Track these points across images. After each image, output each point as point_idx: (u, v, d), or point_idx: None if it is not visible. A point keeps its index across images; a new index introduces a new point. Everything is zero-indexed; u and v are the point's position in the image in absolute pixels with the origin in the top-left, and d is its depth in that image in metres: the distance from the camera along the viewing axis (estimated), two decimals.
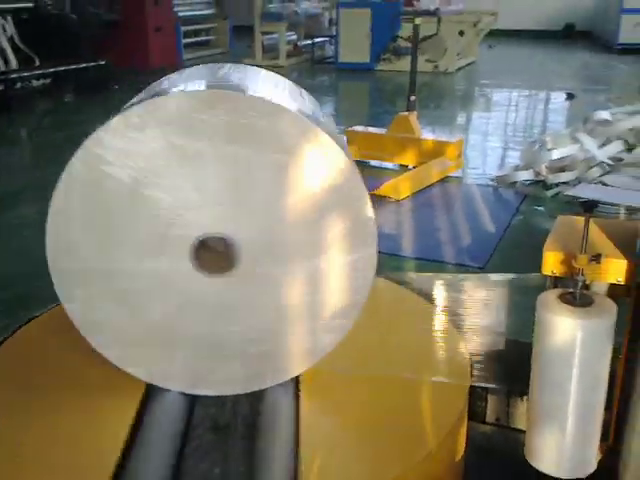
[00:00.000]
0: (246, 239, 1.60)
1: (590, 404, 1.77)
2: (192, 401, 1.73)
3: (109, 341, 1.70)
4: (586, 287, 1.79)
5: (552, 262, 1.84)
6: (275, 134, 1.52)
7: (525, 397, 2.70)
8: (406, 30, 6.53)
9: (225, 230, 1.60)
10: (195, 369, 1.74)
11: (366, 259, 1.64)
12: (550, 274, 1.87)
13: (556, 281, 1.95)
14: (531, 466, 2.34)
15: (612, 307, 1.73)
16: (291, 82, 1.96)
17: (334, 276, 1.65)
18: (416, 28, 4.97)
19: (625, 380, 1.87)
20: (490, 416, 2.80)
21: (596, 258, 1.70)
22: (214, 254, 1.65)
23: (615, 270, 1.75)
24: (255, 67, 1.93)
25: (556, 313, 1.72)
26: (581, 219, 2.15)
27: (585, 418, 1.78)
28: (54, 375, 1.82)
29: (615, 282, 1.79)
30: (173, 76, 1.94)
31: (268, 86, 1.77)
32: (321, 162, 1.55)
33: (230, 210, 1.58)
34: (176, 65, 10.54)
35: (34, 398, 1.69)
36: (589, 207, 1.68)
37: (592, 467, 1.85)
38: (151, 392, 1.73)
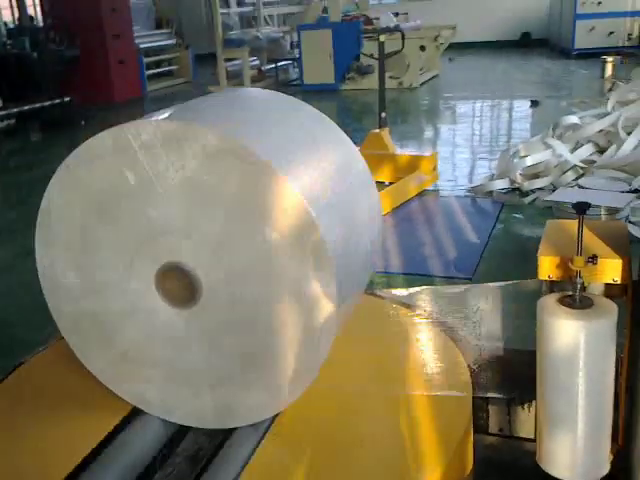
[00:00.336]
0: (206, 274, 1.58)
1: (599, 406, 1.78)
2: (175, 428, 1.75)
3: (95, 360, 1.79)
4: (582, 289, 1.80)
5: (548, 266, 1.85)
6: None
7: (527, 405, 2.72)
8: (367, 48, 6.60)
9: (185, 261, 1.58)
10: (167, 397, 1.75)
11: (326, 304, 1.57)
12: (546, 279, 1.88)
13: (552, 285, 1.97)
14: (537, 474, 2.33)
15: (613, 307, 1.74)
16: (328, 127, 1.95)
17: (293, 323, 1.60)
18: (381, 45, 5.02)
19: (630, 379, 1.87)
20: (493, 427, 2.80)
21: (592, 259, 1.71)
22: (179, 285, 1.63)
23: (611, 270, 1.77)
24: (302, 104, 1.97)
25: (558, 317, 1.72)
26: (570, 222, 2.17)
27: (595, 420, 1.78)
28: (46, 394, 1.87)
29: (611, 282, 1.81)
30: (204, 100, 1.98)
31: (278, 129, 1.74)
32: (278, 208, 1.50)
33: (191, 242, 1.56)
34: (141, 97, 10.52)
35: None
36: (582, 209, 1.70)
37: (605, 469, 1.85)
38: (136, 414, 1.77)
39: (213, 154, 1.48)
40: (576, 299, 1.74)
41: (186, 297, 1.62)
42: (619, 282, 1.79)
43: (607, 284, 1.85)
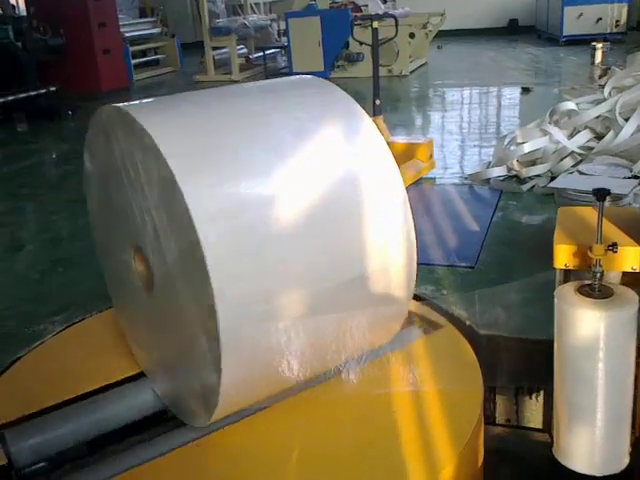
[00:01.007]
0: (154, 263, 1.62)
1: (619, 397, 1.74)
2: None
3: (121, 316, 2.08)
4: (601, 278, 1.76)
5: (564, 255, 1.81)
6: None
7: (535, 395, 2.69)
8: (357, 35, 6.53)
9: (144, 247, 1.65)
10: (149, 368, 1.91)
11: None
12: (563, 267, 1.84)
13: (567, 274, 1.93)
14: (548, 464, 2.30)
15: (634, 296, 1.71)
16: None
17: None
18: (375, 32, 4.96)
19: None
20: (500, 417, 2.78)
21: (612, 247, 1.67)
22: (145, 270, 1.71)
23: (631, 258, 1.74)
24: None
25: (577, 307, 1.68)
26: (582, 209, 2.14)
27: (615, 412, 1.75)
28: None
29: (631, 270, 1.77)
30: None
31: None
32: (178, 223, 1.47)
33: (146, 229, 1.59)
34: (128, 87, 10.39)
35: None
36: (602, 196, 1.66)
37: (625, 462, 1.82)
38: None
39: (148, 150, 1.48)
40: (595, 288, 1.71)
41: (149, 283, 1.68)
42: (638, 270, 1.76)
43: (625, 272, 1.82)
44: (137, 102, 1.76)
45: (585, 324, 1.67)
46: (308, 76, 1.97)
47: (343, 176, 1.64)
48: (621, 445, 1.81)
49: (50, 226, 4.50)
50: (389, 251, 1.70)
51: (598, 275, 1.69)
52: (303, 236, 1.54)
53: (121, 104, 1.64)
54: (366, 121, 1.81)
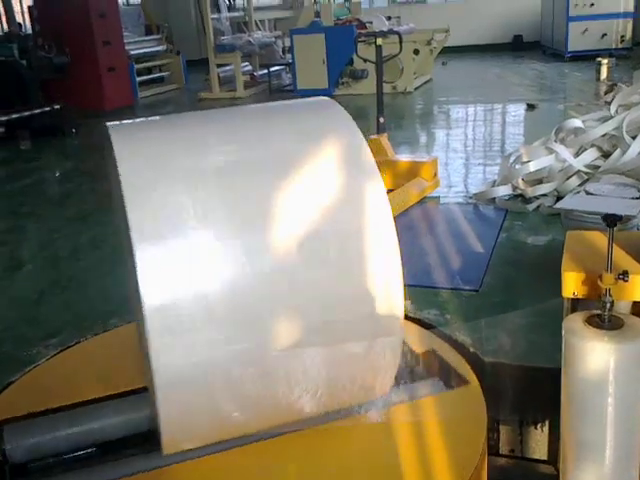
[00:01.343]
0: None
1: (629, 432, 1.67)
2: None
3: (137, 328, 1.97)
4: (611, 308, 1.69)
5: (573, 283, 1.74)
6: None
7: (540, 425, 2.61)
8: (361, 52, 6.51)
9: None
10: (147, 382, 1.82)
11: None
12: (571, 296, 1.77)
13: (575, 301, 1.86)
14: None
15: None
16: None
17: None
18: (379, 49, 4.92)
19: None
20: (503, 448, 2.69)
21: (624, 276, 1.60)
22: None
23: None
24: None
25: (587, 339, 1.61)
26: (591, 234, 2.07)
27: (624, 448, 1.67)
28: None
29: None
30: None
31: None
32: None
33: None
34: (132, 104, 10.39)
35: None
36: (612, 222, 1.59)
37: None
38: None
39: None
40: (605, 319, 1.64)
41: None
42: None
43: (635, 302, 1.75)
44: (127, 122, 1.78)
45: (594, 357, 1.60)
46: (320, 99, 1.89)
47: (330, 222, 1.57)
48: None
49: (50, 245, 4.45)
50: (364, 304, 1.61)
51: (608, 305, 1.62)
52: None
53: (112, 122, 1.69)
54: (367, 161, 1.68)
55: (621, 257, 1.74)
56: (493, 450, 2.60)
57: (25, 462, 1.77)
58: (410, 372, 2.00)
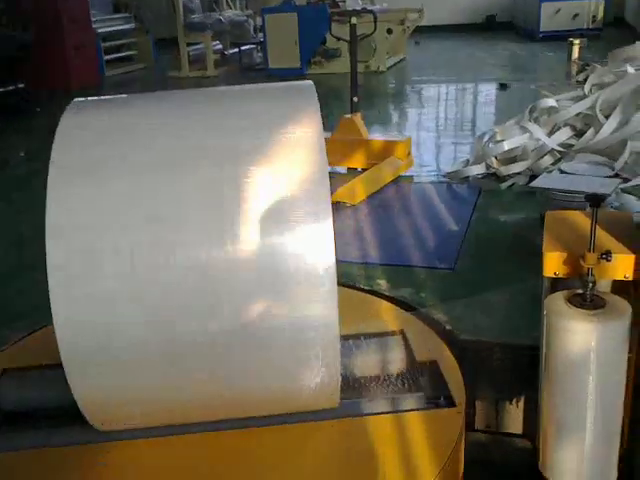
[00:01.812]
0: None
1: (610, 412, 1.65)
2: None
3: None
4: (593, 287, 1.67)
5: (554, 263, 1.71)
6: None
7: (515, 400, 2.61)
8: (334, 31, 6.41)
9: None
10: None
11: None
12: (553, 276, 1.74)
13: (555, 281, 1.83)
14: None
15: (626, 307, 1.61)
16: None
17: None
18: (353, 28, 4.84)
19: (637, 378, 1.76)
20: (479, 423, 2.69)
21: (607, 255, 1.58)
22: None
23: (624, 266, 1.64)
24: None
25: (569, 318, 1.59)
26: (570, 213, 2.04)
27: (605, 427, 1.66)
28: None
29: (623, 278, 1.68)
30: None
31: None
32: None
33: None
34: (100, 83, 10.16)
35: None
36: (596, 202, 1.56)
37: (614, 477, 1.74)
38: None
39: None
40: (587, 298, 1.61)
41: None
42: (630, 279, 1.67)
43: (615, 280, 1.73)
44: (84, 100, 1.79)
45: (577, 336, 1.57)
46: (298, 84, 1.80)
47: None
48: (610, 460, 1.72)
49: (16, 227, 4.33)
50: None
51: (590, 285, 1.59)
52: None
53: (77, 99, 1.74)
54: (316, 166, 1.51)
55: (601, 236, 1.72)
56: (469, 426, 2.59)
57: (15, 411, 1.90)
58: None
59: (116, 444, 1.67)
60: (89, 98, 1.79)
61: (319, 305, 1.47)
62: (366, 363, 2.00)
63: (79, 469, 1.62)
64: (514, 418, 2.62)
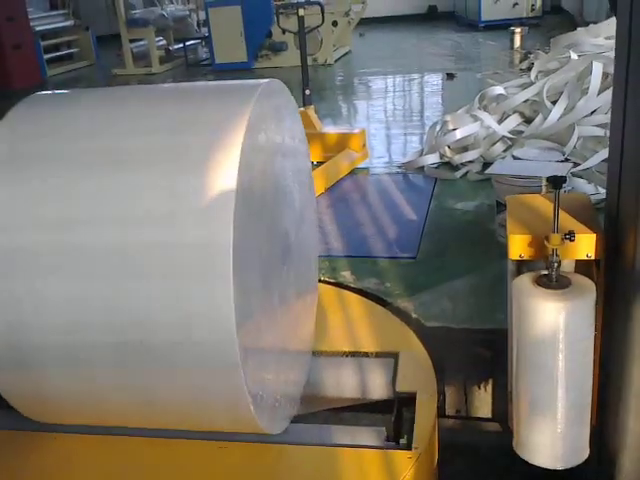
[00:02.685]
0: None
1: (580, 388, 1.71)
2: None
3: None
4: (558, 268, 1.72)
5: (519, 246, 1.75)
6: None
7: (483, 384, 2.67)
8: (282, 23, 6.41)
9: None
10: None
11: None
12: (518, 258, 1.79)
13: (519, 264, 1.88)
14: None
15: (590, 285, 1.67)
16: None
17: None
18: (301, 20, 4.84)
19: (603, 356, 1.82)
20: (449, 409, 2.74)
21: (570, 236, 1.63)
22: None
23: (586, 245, 1.70)
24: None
25: (536, 298, 1.63)
26: (530, 197, 2.10)
27: (576, 404, 1.72)
28: None
29: (585, 258, 1.74)
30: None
31: None
32: None
33: None
34: (42, 83, 9.90)
35: None
36: (558, 183, 1.61)
37: (586, 454, 1.80)
38: None
39: None
40: (553, 278, 1.66)
41: None
42: (593, 257, 1.72)
43: (578, 260, 1.79)
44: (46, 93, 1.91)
45: (545, 316, 1.62)
46: (267, 82, 1.77)
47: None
48: (582, 437, 1.78)
49: None
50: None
51: (555, 265, 1.64)
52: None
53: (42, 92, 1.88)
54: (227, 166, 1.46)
55: (563, 218, 1.77)
56: (440, 412, 2.64)
57: None
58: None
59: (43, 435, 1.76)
60: (51, 91, 1.87)
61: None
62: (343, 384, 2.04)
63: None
64: (483, 402, 2.68)
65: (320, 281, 2.73)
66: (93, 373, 1.55)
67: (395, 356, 2.11)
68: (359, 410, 2.10)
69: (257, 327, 1.57)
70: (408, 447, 1.71)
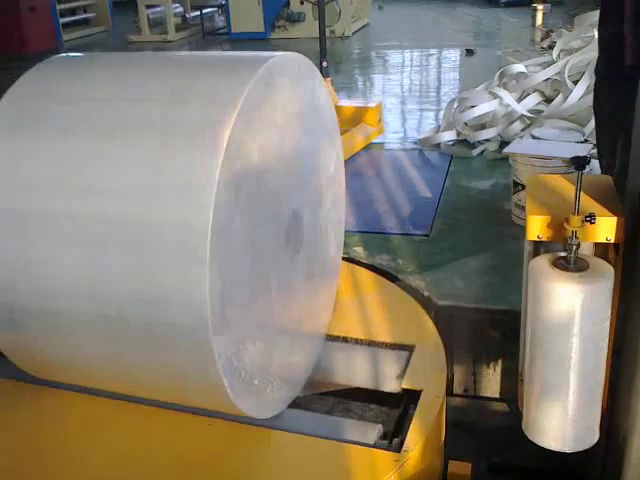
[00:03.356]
0: None
1: (592, 373, 1.68)
2: None
3: None
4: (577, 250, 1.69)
5: (537, 227, 1.72)
6: None
7: (492, 364, 2.66)
8: None
9: None
10: None
11: None
12: (536, 239, 1.76)
13: (538, 246, 1.85)
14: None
15: (609, 269, 1.64)
16: None
17: None
18: None
19: (618, 341, 1.79)
20: (458, 388, 2.74)
21: (590, 218, 1.59)
22: None
23: (606, 229, 1.66)
24: None
25: (553, 280, 1.60)
26: (550, 177, 2.06)
27: (588, 388, 1.70)
28: None
29: (605, 241, 1.70)
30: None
31: None
32: None
33: None
34: (56, 48, 9.85)
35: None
36: (581, 164, 1.57)
37: (595, 437, 1.78)
38: None
39: None
40: (571, 261, 1.63)
41: None
42: (612, 241, 1.69)
43: (596, 243, 1.75)
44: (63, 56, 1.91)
45: (562, 299, 1.59)
46: (286, 56, 1.68)
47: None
48: (592, 421, 1.76)
49: None
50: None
51: (574, 248, 1.61)
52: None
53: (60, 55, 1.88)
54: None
55: (583, 200, 1.73)
56: (448, 390, 2.64)
57: None
58: None
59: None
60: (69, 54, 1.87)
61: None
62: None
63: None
64: (491, 382, 2.67)
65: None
66: (77, 340, 1.56)
67: (410, 349, 2.04)
68: (370, 402, 2.04)
69: (243, 310, 1.52)
70: (399, 449, 1.62)
